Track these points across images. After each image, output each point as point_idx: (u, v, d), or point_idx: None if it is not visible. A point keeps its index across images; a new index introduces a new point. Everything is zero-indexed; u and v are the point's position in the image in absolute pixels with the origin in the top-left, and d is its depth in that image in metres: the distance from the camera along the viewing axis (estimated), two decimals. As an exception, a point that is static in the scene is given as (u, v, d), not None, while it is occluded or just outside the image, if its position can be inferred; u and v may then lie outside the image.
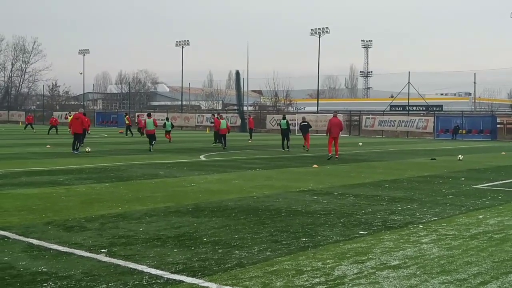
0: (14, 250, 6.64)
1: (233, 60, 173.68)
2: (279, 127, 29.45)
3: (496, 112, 59.01)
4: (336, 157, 21.65)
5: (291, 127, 29.35)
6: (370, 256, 6.58)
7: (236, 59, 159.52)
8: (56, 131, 43.55)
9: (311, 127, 28.77)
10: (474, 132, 49.40)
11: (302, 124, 28.24)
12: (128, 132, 43.40)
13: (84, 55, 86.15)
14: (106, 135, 44.15)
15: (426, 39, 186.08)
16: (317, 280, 5.59)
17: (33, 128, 50.20)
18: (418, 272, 5.92)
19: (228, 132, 29.48)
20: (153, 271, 5.82)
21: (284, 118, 28.48)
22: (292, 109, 77.78)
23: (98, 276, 5.60)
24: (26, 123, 53.23)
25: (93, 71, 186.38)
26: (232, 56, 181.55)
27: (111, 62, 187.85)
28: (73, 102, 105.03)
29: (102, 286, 5.31)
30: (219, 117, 31.75)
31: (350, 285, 5.44)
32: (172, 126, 35.75)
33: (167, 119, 37.39)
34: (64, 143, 29.19)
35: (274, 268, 5.98)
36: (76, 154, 22.29)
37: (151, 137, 25.84)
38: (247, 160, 21.12)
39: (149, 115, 27.94)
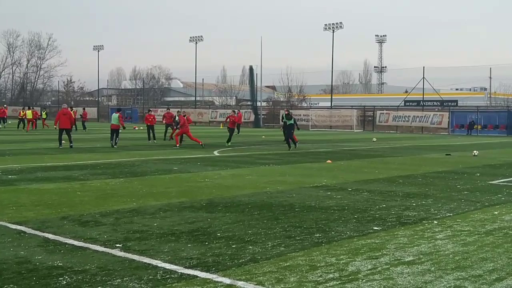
0: (30, 245, 6.71)
1: (246, 55, 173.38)
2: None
3: (512, 107, 58.33)
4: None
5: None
6: (384, 252, 6.56)
7: (249, 54, 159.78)
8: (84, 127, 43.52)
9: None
10: (489, 128, 48.90)
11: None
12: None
13: (98, 51, 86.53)
14: (120, 131, 44.21)
15: (441, 33, 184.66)
16: (331, 275, 5.58)
17: (4, 122, 47.29)
18: (433, 268, 5.90)
19: (178, 128, 27.49)
20: (167, 266, 5.85)
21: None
22: (305, 105, 77.61)
23: (113, 271, 5.64)
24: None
25: (108, 67, 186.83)
26: (246, 52, 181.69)
27: (125, 58, 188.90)
28: (87, 98, 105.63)
29: (117, 280, 5.35)
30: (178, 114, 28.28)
31: (364, 281, 5.43)
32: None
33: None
34: (80, 139, 29.38)
35: (287, 264, 5.99)
36: (73, 149, 22.80)
37: (113, 132, 25.39)
38: (261, 156, 21.13)
39: (117, 110, 27.34)
